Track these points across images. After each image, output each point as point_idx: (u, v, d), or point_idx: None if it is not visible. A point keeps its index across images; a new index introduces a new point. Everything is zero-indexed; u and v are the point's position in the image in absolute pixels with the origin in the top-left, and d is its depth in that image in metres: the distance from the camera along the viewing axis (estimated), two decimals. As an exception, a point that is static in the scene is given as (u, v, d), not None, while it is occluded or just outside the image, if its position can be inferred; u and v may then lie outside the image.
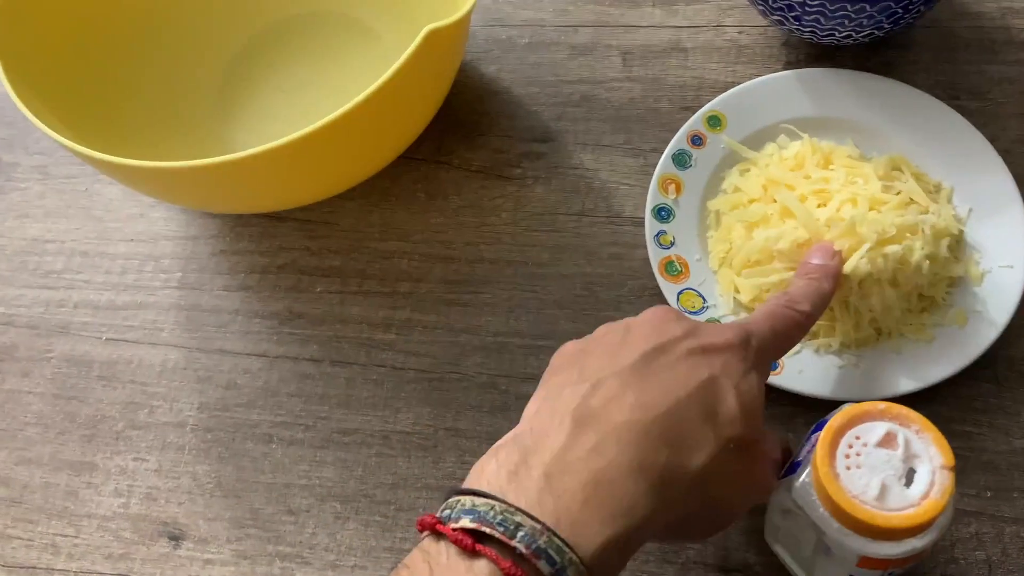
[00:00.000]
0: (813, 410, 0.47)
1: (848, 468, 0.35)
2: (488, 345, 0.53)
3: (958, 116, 0.53)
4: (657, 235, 0.52)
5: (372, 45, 0.63)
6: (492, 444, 0.50)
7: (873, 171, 0.50)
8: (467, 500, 0.33)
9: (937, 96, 0.54)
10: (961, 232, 0.50)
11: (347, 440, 0.52)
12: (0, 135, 0.66)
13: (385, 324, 0.55)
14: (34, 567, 0.51)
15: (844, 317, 0.48)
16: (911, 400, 0.47)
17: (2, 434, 0.55)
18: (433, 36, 0.47)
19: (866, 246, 0.45)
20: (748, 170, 0.54)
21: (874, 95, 0.54)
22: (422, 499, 0.50)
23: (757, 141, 0.55)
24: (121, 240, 0.60)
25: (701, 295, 0.51)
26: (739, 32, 0.60)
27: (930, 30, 0.58)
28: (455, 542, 0.31)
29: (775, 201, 0.50)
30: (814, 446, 0.36)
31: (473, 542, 0.31)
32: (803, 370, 0.48)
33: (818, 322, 0.47)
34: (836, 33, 0.53)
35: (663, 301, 0.51)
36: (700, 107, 0.56)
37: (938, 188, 0.52)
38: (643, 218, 0.53)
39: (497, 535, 0.31)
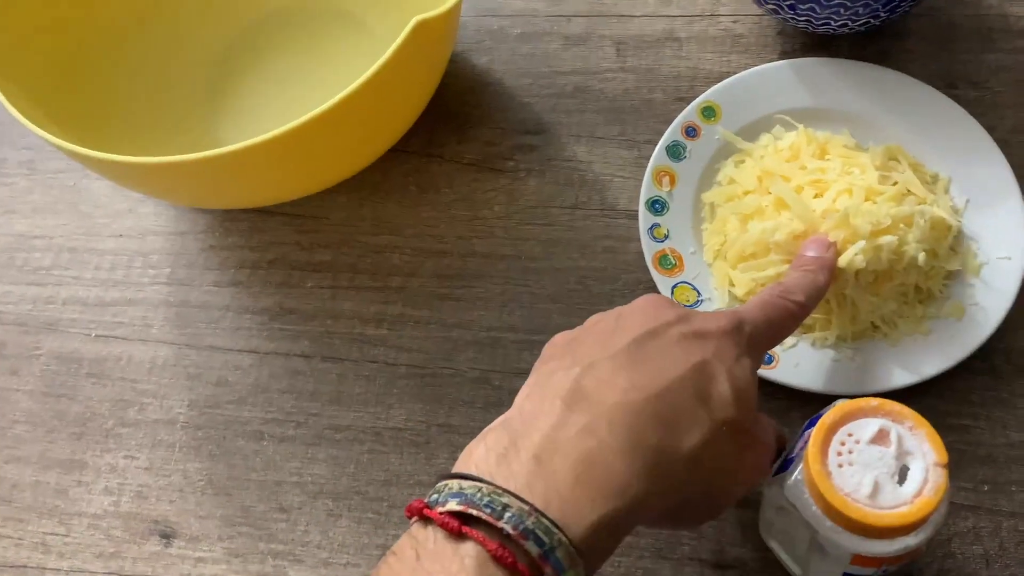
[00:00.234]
0: (809, 404, 0.47)
1: (840, 466, 0.34)
2: (481, 340, 0.53)
3: (955, 105, 0.52)
4: (651, 228, 0.52)
5: (361, 37, 0.63)
6: (485, 439, 0.50)
7: (870, 161, 0.49)
8: (454, 484, 0.32)
9: (934, 85, 0.53)
10: (959, 224, 0.50)
11: (339, 437, 0.52)
12: (-12, 130, 0.65)
13: (377, 319, 0.54)
14: (24, 566, 0.51)
15: (840, 310, 0.47)
16: (908, 393, 0.46)
17: (-9, 432, 0.55)
18: (421, 28, 0.46)
19: (862, 243, 0.44)
20: (743, 161, 0.53)
21: (870, 85, 0.54)
22: (415, 495, 0.49)
23: (752, 132, 0.54)
24: (110, 236, 0.60)
25: (696, 289, 0.50)
26: (734, 21, 0.60)
27: (927, 18, 0.58)
28: (442, 525, 0.31)
29: (770, 193, 0.49)
30: (807, 443, 0.36)
31: (460, 524, 0.31)
32: (799, 363, 0.48)
33: (814, 315, 0.47)
34: (832, 22, 0.53)
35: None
36: (694, 98, 0.55)
37: (935, 179, 0.51)
38: (637, 211, 0.52)
39: (484, 517, 0.31)
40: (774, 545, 0.43)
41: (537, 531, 0.31)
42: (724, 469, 0.36)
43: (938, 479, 0.34)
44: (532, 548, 0.30)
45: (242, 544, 0.50)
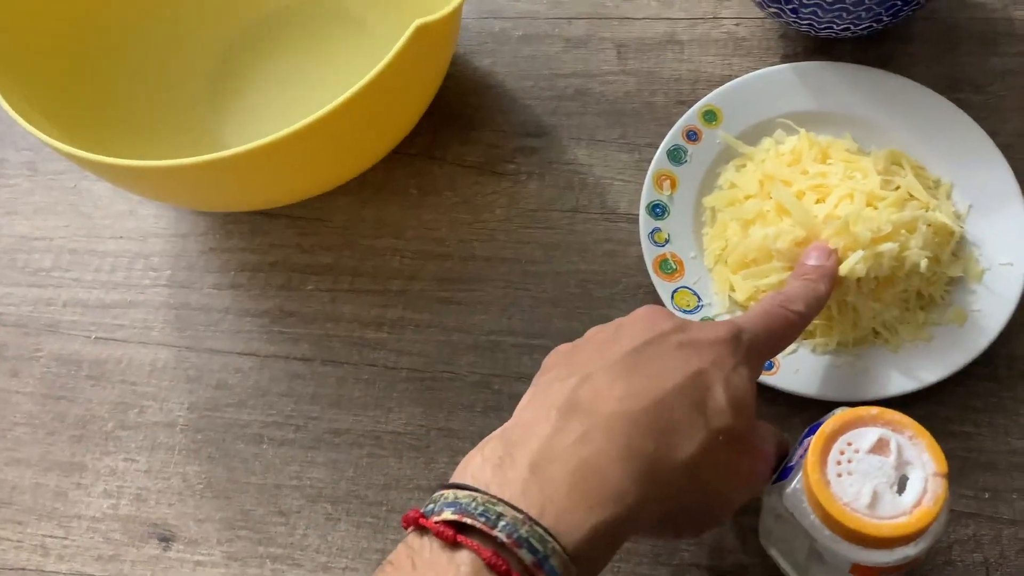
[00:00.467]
0: (809, 410, 0.47)
1: (840, 475, 0.34)
2: (481, 344, 0.53)
3: (958, 110, 0.52)
4: (651, 232, 0.52)
5: (362, 36, 0.63)
6: (484, 444, 0.50)
7: (872, 165, 0.49)
8: (450, 493, 0.33)
9: (937, 89, 0.53)
10: (961, 229, 0.49)
11: (338, 440, 0.52)
12: (-12, 131, 0.65)
13: (377, 323, 0.54)
14: (24, 568, 0.51)
15: (841, 316, 0.47)
16: (909, 400, 0.46)
17: (-8, 434, 0.55)
18: (422, 31, 0.46)
19: (861, 252, 0.44)
20: (744, 165, 0.53)
21: (872, 89, 0.53)
22: (414, 500, 0.50)
23: (753, 136, 0.54)
24: (110, 237, 0.60)
25: (696, 293, 0.50)
26: (736, 24, 0.59)
27: (930, 22, 0.57)
28: (437, 534, 0.31)
29: (771, 197, 0.49)
30: (806, 451, 0.36)
31: (455, 533, 0.31)
32: (799, 370, 0.48)
33: (815, 321, 0.47)
34: (834, 26, 0.52)
35: (657, 299, 0.51)
36: (696, 101, 0.55)
37: (937, 183, 0.51)
38: (638, 215, 0.52)
39: (478, 525, 0.31)
40: (773, 552, 0.43)
41: (531, 539, 0.31)
42: (721, 477, 0.36)
43: (938, 489, 0.34)
44: (526, 556, 0.31)
45: (241, 548, 0.50)
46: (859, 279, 0.45)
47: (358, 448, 0.51)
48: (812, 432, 0.37)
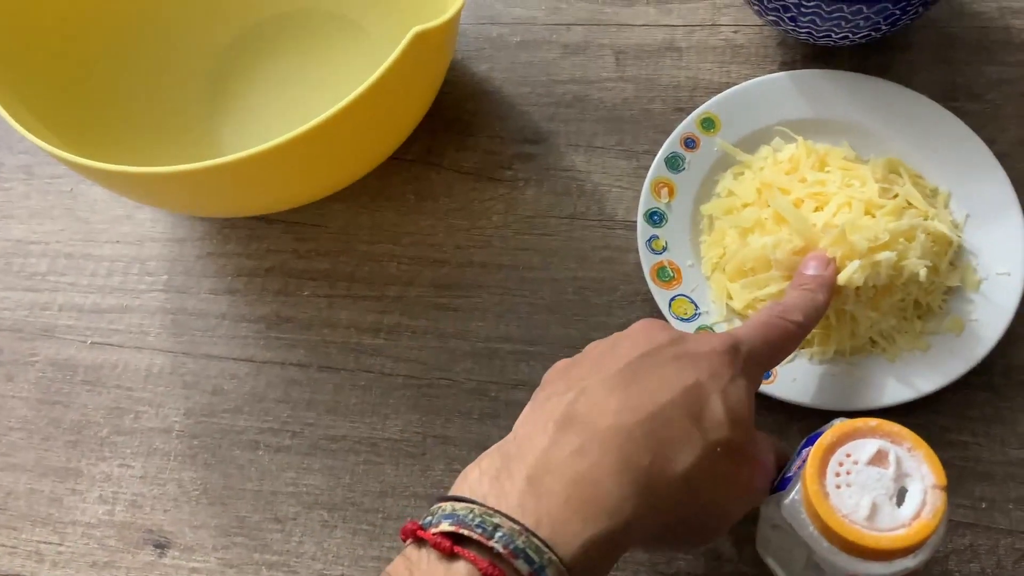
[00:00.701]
0: (807, 419, 0.47)
1: (838, 487, 0.34)
2: (478, 351, 0.53)
3: (956, 119, 0.52)
4: (649, 240, 0.51)
5: (360, 40, 0.62)
6: (481, 451, 0.49)
7: (870, 173, 0.49)
8: (447, 505, 0.33)
9: (935, 98, 0.53)
10: (959, 239, 0.49)
11: (334, 447, 0.51)
12: (-15, 134, 0.65)
13: (374, 329, 0.54)
14: (18, 575, 0.51)
15: (839, 325, 0.47)
16: (906, 409, 0.46)
17: (-14, 439, 0.55)
18: (420, 38, 0.46)
19: (857, 262, 0.44)
20: (742, 173, 0.53)
21: (870, 97, 0.53)
22: (410, 507, 0.49)
23: (751, 143, 0.54)
24: (106, 242, 0.59)
25: (693, 301, 0.50)
26: (734, 32, 0.59)
27: (928, 31, 0.57)
28: (435, 546, 0.32)
29: (769, 206, 0.49)
30: (804, 461, 0.36)
31: (451, 545, 0.31)
32: (797, 378, 0.48)
33: (813, 330, 0.47)
34: (832, 34, 0.52)
35: (655, 306, 0.50)
36: (694, 108, 0.55)
37: (935, 192, 0.51)
38: (635, 222, 0.52)
39: (475, 536, 0.31)
40: (771, 562, 0.43)
41: (528, 550, 0.31)
42: (719, 490, 0.36)
43: (937, 502, 0.34)
44: (522, 567, 0.31)
45: (236, 554, 0.50)
46: (857, 288, 0.45)
47: (354, 455, 0.51)
48: (810, 442, 0.37)
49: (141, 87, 0.60)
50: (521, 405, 0.50)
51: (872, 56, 0.57)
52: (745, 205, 0.51)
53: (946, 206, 0.51)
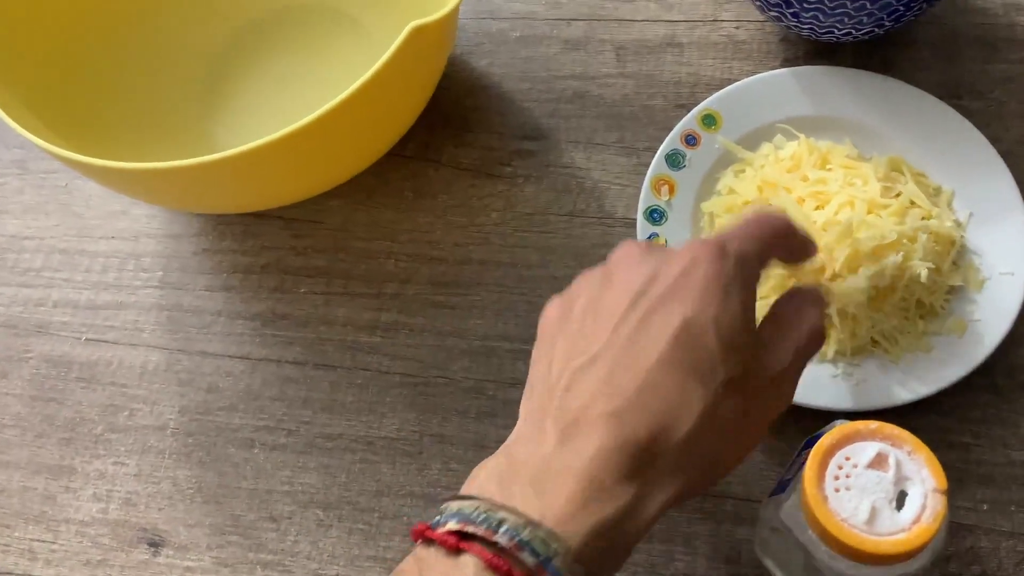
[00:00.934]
0: (807, 419, 0.46)
1: (837, 490, 0.34)
2: (475, 349, 0.52)
3: (959, 116, 0.51)
4: (649, 238, 0.51)
5: (357, 36, 0.62)
6: (478, 450, 0.50)
7: (872, 172, 0.49)
8: (455, 505, 0.34)
9: (938, 95, 0.52)
10: (962, 238, 0.49)
11: (330, 446, 0.51)
12: (-20, 128, 0.65)
13: (370, 326, 0.54)
14: (11, 573, 0.50)
15: (841, 325, 0.47)
16: (907, 410, 0.46)
17: (-20, 436, 0.54)
18: (417, 33, 0.45)
19: (864, 270, 0.44)
20: (743, 171, 0.52)
21: (873, 94, 0.53)
22: (407, 507, 0.49)
23: (753, 141, 0.53)
24: (101, 238, 0.59)
25: (693, 300, 0.50)
26: (736, 27, 0.59)
27: (932, 27, 0.57)
28: (442, 543, 0.32)
29: (771, 203, 0.49)
30: (803, 464, 0.35)
31: (457, 541, 0.32)
32: (796, 378, 0.47)
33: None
34: (836, 30, 0.52)
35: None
36: (695, 105, 0.54)
37: (938, 191, 0.51)
38: (636, 219, 0.52)
39: (480, 532, 0.32)
40: (769, 563, 0.42)
41: (533, 543, 0.31)
42: (723, 438, 0.35)
43: (937, 506, 0.33)
44: (528, 559, 0.31)
45: (231, 553, 0.49)
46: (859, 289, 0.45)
47: (350, 453, 0.51)
48: (810, 445, 0.36)
49: (137, 82, 0.60)
50: (518, 404, 0.50)
51: (875, 53, 0.56)
52: (746, 203, 0.50)
53: (949, 205, 0.50)
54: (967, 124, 0.51)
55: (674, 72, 0.58)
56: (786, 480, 0.38)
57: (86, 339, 0.56)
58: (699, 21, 0.60)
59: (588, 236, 0.54)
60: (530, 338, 0.52)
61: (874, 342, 0.47)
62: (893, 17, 0.50)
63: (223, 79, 0.62)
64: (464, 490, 0.35)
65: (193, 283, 0.57)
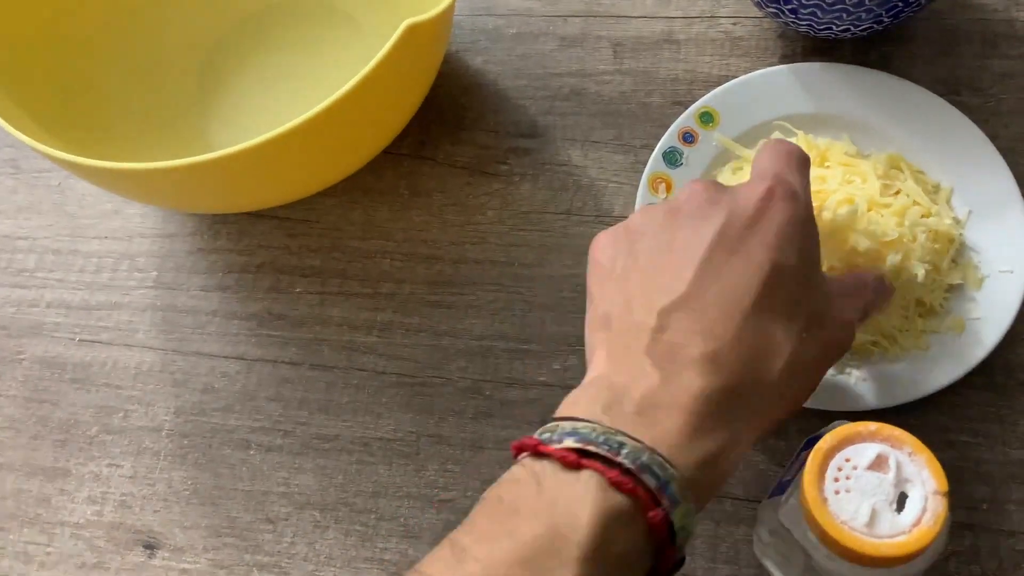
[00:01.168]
0: (806, 419, 0.46)
1: (837, 492, 0.34)
2: (472, 349, 0.52)
3: (958, 113, 0.51)
4: (646, 236, 0.51)
5: (352, 33, 0.62)
6: (475, 451, 0.49)
7: (871, 170, 0.48)
8: (567, 424, 0.34)
9: (937, 92, 0.52)
10: (960, 236, 0.49)
11: (327, 447, 0.51)
12: (-28, 127, 0.64)
13: (366, 326, 0.53)
14: (6, 576, 0.50)
15: (838, 323, 0.47)
16: (906, 409, 0.46)
17: (-27, 438, 0.54)
18: (413, 31, 0.45)
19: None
20: (741, 168, 0.52)
21: (872, 90, 0.53)
22: (404, 508, 0.49)
23: (751, 138, 0.53)
24: (95, 237, 0.58)
25: (691, 299, 0.49)
26: (734, 24, 0.58)
27: (931, 23, 0.56)
28: (560, 459, 0.32)
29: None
30: (803, 465, 0.35)
31: (578, 458, 0.32)
32: (795, 378, 0.47)
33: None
34: (834, 26, 0.51)
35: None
36: (692, 102, 0.54)
37: (937, 188, 0.50)
38: (632, 218, 0.51)
39: (603, 452, 0.32)
40: (768, 564, 0.42)
41: (653, 466, 0.32)
42: (807, 374, 0.37)
43: (937, 508, 0.33)
44: (649, 480, 0.32)
45: (227, 555, 0.49)
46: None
47: (347, 454, 0.50)
48: (810, 445, 0.36)
49: (130, 80, 0.60)
50: (516, 404, 0.50)
51: (874, 49, 0.56)
52: (744, 201, 0.50)
53: (948, 202, 0.50)
54: (966, 120, 0.51)
55: (671, 69, 0.58)
56: (785, 481, 0.37)
57: (80, 340, 0.56)
58: (696, 17, 0.59)
59: (585, 234, 0.54)
60: (527, 337, 0.52)
61: (873, 342, 0.47)
62: (892, 13, 0.50)
63: (217, 77, 0.62)
64: (564, 413, 0.35)
65: (188, 283, 0.56)
